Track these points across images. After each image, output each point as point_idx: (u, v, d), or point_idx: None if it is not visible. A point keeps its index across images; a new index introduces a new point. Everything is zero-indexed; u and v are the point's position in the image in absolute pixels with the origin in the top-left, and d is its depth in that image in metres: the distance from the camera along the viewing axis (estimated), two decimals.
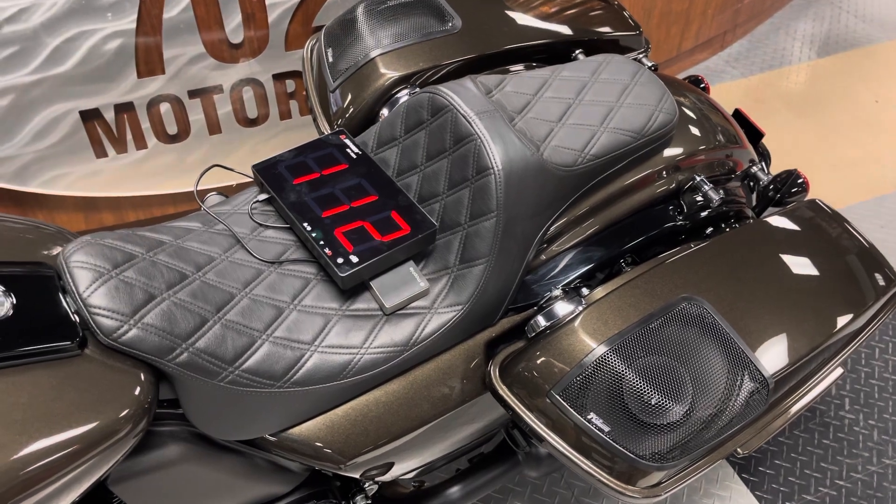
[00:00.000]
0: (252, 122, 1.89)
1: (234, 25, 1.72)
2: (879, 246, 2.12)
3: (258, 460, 1.00)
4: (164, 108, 1.78)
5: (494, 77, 1.10)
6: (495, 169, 0.95)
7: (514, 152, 0.97)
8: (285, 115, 1.91)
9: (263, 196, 1.03)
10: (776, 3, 3.01)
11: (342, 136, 1.09)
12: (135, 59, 1.68)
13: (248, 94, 1.84)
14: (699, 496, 1.60)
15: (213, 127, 1.86)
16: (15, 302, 0.75)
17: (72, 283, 0.79)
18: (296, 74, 1.86)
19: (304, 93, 1.39)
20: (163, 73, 1.73)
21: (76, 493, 0.74)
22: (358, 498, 1.18)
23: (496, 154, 0.95)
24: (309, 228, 0.97)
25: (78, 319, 0.79)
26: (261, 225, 1.01)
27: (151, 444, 0.88)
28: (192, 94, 1.79)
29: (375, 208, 1.00)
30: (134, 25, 1.63)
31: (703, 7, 2.54)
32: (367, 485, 1.19)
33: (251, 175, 1.06)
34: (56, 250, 0.86)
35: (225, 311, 0.88)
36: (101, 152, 1.79)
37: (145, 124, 1.79)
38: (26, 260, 0.82)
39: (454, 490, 1.35)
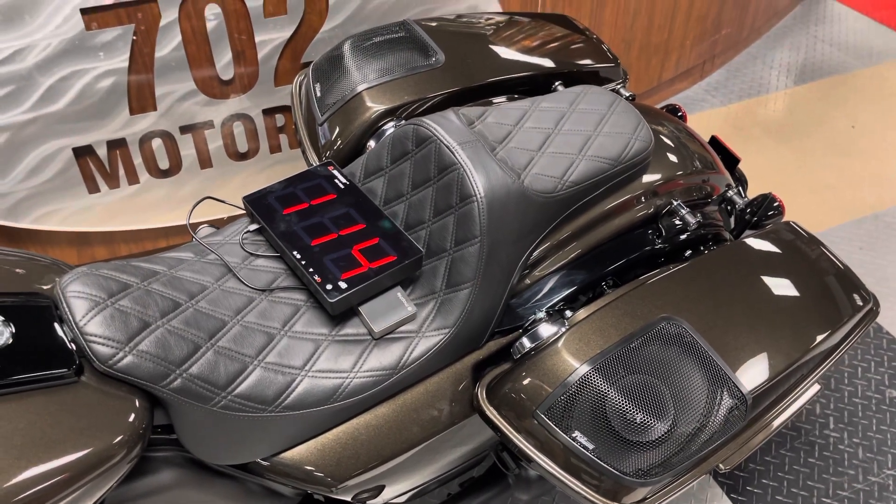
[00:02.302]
0: (242, 156, 1.93)
1: (224, 62, 1.76)
2: (858, 268, 2.17)
3: (251, 485, 1.02)
4: (156, 143, 1.82)
5: (476, 109, 1.14)
6: (478, 196, 0.99)
7: (496, 180, 1.00)
8: (275, 148, 1.95)
9: (254, 226, 1.06)
10: (752, 35, 3.09)
11: (330, 168, 1.13)
12: (127, 97, 1.73)
13: (238, 128, 1.88)
14: None
15: (205, 161, 1.90)
16: (14, 331, 0.78)
17: (68, 312, 0.81)
18: (285, 109, 1.90)
19: (294, 126, 1.43)
20: (154, 109, 1.77)
21: None
22: None
23: (479, 182, 0.99)
24: (298, 256, 1.00)
25: (75, 347, 0.81)
26: (251, 254, 1.04)
27: (146, 469, 0.90)
28: (184, 129, 1.82)
29: (363, 236, 1.03)
30: (126, 64, 1.68)
31: (680, 39, 2.61)
32: None
33: (242, 207, 1.09)
34: (52, 281, 0.89)
35: (217, 337, 0.91)
36: (93, 188, 1.82)
37: (137, 160, 1.83)
38: (24, 290, 0.84)
39: None
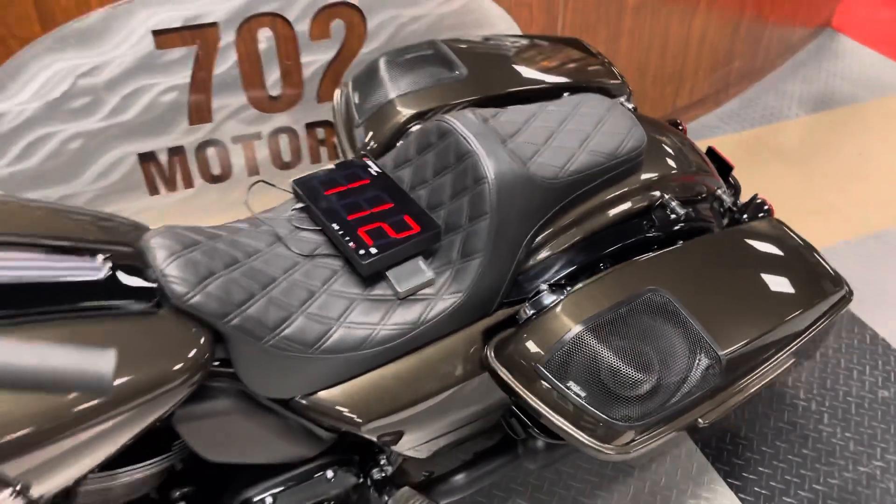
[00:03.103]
0: (286, 166, 2.14)
1: (273, 80, 1.98)
2: (858, 281, 2.30)
3: (291, 422, 1.19)
4: (211, 151, 2.04)
5: (491, 109, 1.33)
6: (489, 178, 1.17)
7: (505, 165, 1.18)
8: (316, 159, 2.16)
9: (300, 205, 1.25)
10: (766, 67, 3.26)
11: (365, 159, 1.32)
12: (187, 109, 1.95)
13: (283, 140, 2.10)
14: (686, 497, 1.74)
15: (252, 169, 2.11)
16: (111, 269, 0.97)
17: (153, 258, 1.01)
18: (326, 124, 2.11)
19: (334, 130, 1.63)
20: (210, 121, 1.99)
21: (146, 421, 0.94)
22: (374, 471, 1.36)
23: (490, 166, 1.17)
24: (337, 228, 1.18)
25: (155, 286, 1.00)
26: (297, 227, 1.22)
27: (207, 395, 1.08)
28: (235, 139, 2.04)
29: (391, 213, 1.22)
30: (188, 80, 1.90)
31: (694, 68, 2.79)
32: (382, 462, 1.37)
33: (290, 191, 1.28)
34: (137, 237, 1.08)
35: (269, 289, 1.09)
36: (153, 190, 2.04)
37: (193, 166, 2.05)
38: (119, 240, 1.04)
39: (459, 478, 1.52)
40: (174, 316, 1.00)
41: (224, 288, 1.04)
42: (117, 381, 0.89)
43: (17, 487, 0.81)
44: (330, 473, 1.29)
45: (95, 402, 0.86)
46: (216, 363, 1.09)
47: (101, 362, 0.65)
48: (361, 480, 1.36)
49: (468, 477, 1.52)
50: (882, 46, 3.56)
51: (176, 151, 2.01)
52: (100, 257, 0.97)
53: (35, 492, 0.85)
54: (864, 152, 2.85)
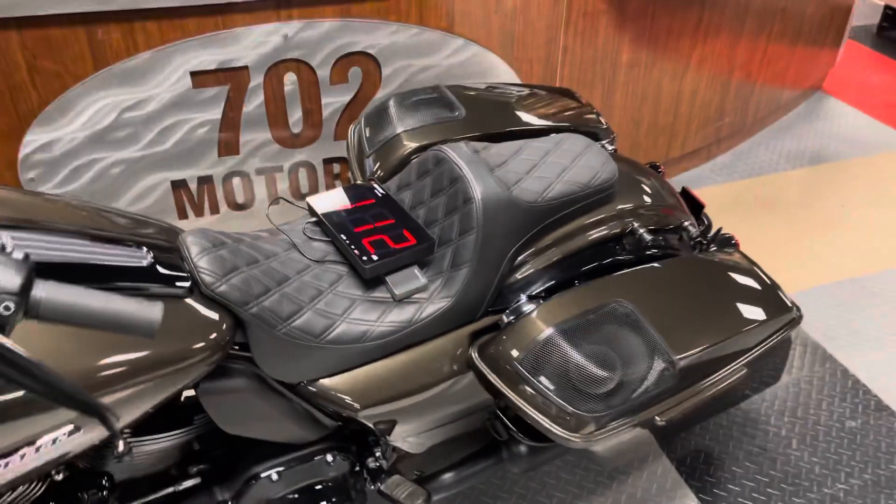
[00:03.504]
0: (304, 197, 2.35)
1: (295, 119, 2.21)
2: (833, 321, 2.45)
3: (297, 406, 1.36)
4: (236, 181, 2.25)
5: (483, 143, 1.53)
6: (476, 199, 1.36)
7: (491, 189, 1.38)
8: (332, 186, 2.36)
9: (313, 219, 1.45)
10: (757, 125, 3.47)
11: (372, 182, 1.52)
12: (217, 143, 2.17)
13: (302, 174, 2.31)
14: None
15: (273, 199, 2.32)
16: (151, 259, 1.16)
17: (187, 251, 1.20)
18: (342, 160, 2.33)
19: (349, 172, 1.83)
20: (238, 153, 2.21)
21: (175, 387, 1.12)
22: (369, 460, 1.52)
23: (477, 189, 1.37)
24: (344, 238, 1.37)
25: (188, 275, 1.19)
26: (310, 238, 1.42)
27: (227, 374, 1.26)
28: (259, 171, 2.26)
29: (392, 227, 1.41)
30: (219, 116, 2.13)
31: (686, 122, 3.00)
32: (377, 453, 1.53)
33: (306, 208, 1.48)
34: (174, 235, 1.28)
35: (283, 286, 1.28)
36: (182, 215, 2.25)
37: (220, 194, 2.26)
38: (158, 237, 1.23)
39: (447, 477, 1.67)
40: (203, 302, 1.18)
41: (245, 281, 1.23)
42: (156, 349, 1.07)
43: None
44: (329, 458, 1.45)
45: (141, 354, 1.04)
46: (236, 347, 1.27)
47: (152, 310, 0.83)
48: (357, 469, 1.52)
49: (455, 476, 1.67)
50: (871, 109, 3.77)
51: (205, 180, 2.22)
52: (144, 249, 1.16)
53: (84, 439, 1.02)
54: (846, 205, 3.02)
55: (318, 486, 1.44)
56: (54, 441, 0.99)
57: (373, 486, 1.53)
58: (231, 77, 2.09)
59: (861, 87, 4.00)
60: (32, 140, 1.99)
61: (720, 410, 1.69)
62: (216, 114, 2.12)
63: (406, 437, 1.49)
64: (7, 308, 0.73)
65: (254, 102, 2.14)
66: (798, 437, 2.06)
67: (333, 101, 2.22)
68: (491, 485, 1.93)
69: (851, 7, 3.70)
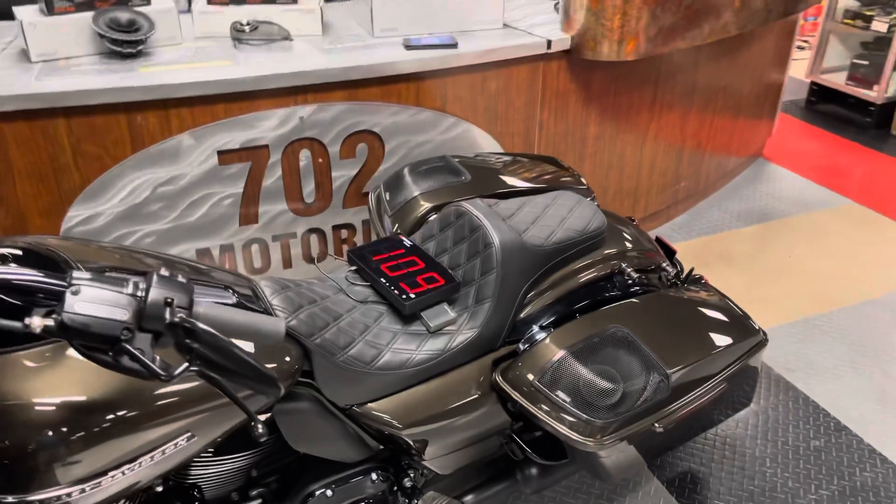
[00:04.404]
0: (313, 260, 2.58)
1: (308, 190, 2.46)
2: (790, 356, 2.74)
3: (348, 428, 1.57)
4: (254, 248, 2.48)
5: (492, 199, 1.80)
6: (495, 244, 1.62)
7: (507, 235, 1.64)
8: (339, 254, 2.60)
9: (354, 267, 1.69)
10: (709, 188, 3.85)
11: (400, 236, 1.78)
12: (239, 213, 2.41)
13: (313, 239, 2.55)
14: None
15: (286, 263, 2.55)
16: (236, 299, 1.39)
17: (263, 293, 1.43)
18: (349, 226, 2.58)
19: (372, 230, 2.08)
20: (257, 223, 2.44)
21: (262, 403, 1.32)
22: (405, 480, 1.72)
23: (495, 236, 1.63)
24: (384, 281, 1.61)
25: (265, 311, 1.41)
26: (352, 283, 1.65)
27: (295, 397, 1.47)
28: (275, 238, 2.49)
29: (423, 271, 1.65)
30: (241, 190, 2.37)
31: (647, 187, 3.35)
32: (411, 474, 1.73)
33: (346, 259, 1.72)
34: (248, 281, 1.50)
35: (338, 321, 1.51)
36: None
37: (239, 259, 2.48)
38: (237, 283, 1.46)
39: (469, 498, 1.87)
40: None
41: (310, 316, 1.46)
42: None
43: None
44: (374, 476, 1.65)
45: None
46: (301, 374, 1.49)
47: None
48: (395, 489, 1.71)
49: (475, 498, 1.87)
50: (806, 172, 4.20)
51: (226, 248, 2.45)
52: (229, 290, 1.39)
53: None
54: (793, 255, 3.37)
55: (364, 502, 1.63)
56: (168, 450, 1.19)
57: (408, 502, 1.72)
58: (253, 155, 2.34)
59: (796, 153, 4.44)
60: (74, 215, 2.21)
61: (701, 431, 1.93)
62: (239, 188, 2.37)
63: (436, 457, 1.70)
64: (181, 318, 0.95)
65: (272, 176, 2.40)
66: (770, 457, 2.31)
67: (342, 174, 2.49)
68: (503, 500, 2.13)
69: (782, 85, 4.17)
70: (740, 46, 3.51)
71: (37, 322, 0.89)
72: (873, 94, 4.74)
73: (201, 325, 0.92)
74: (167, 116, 2.20)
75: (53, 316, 0.90)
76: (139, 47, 2.32)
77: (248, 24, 2.49)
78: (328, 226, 2.55)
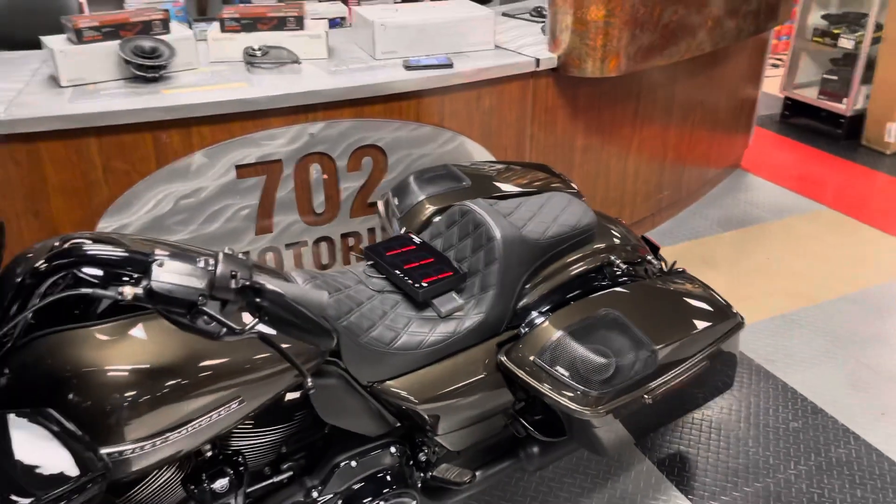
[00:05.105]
0: (324, 267, 2.77)
1: (318, 201, 2.65)
2: (770, 348, 2.94)
3: (370, 403, 1.74)
4: (269, 255, 2.66)
5: (491, 200, 2.00)
6: (496, 238, 1.82)
7: (507, 230, 1.84)
8: (346, 261, 2.79)
9: (370, 262, 1.88)
10: (690, 197, 4.07)
11: (410, 234, 1.97)
12: (255, 223, 2.59)
13: (323, 247, 2.73)
14: (648, 499, 2.27)
15: (358, 253, 2.73)
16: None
17: (295, 281, 1.61)
18: (356, 234, 2.76)
19: (383, 231, 2.27)
20: (271, 232, 2.63)
21: (296, 376, 1.50)
22: (420, 455, 1.89)
23: (497, 230, 1.82)
24: (399, 273, 1.80)
25: None
26: (370, 276, 1.84)
27: (325, 374, 1.64)
28: (288, 246, 2.67)
29: (433, 264, 1.84)
30: (257, 201, 2.56)
31: (632, 196, 3.56)
32: (425, 449, 1.90)
33: (363, 255, 1.91)
34: (281, 272, 1.68)
35: (360, 307, 1.69)
36: None
37: None
38: (276, 270, 1.64)
39: (477, 474, 2.04)
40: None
41: (337, 302, 1.64)
42: (296, 345, 1.46)
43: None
44: (393, 449, 1.82)
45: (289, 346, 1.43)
46: (332, 356, 1.67)
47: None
48: (411, 463, 1.89)
49: (482, 474, 2.04)
50: (782, 181, 4.43)
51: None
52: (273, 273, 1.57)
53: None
54: (770, 257, 3.59)
55: (384, 473, 1.80)
56: (222, 411, 1.36)
57: (422, 475, 1.89)
58: (268, 169, 2.53)
59: (772, 164, 4.68)
60: (104, 227, 2.38)
61: (686, 412, 2.12)
62: (255, 199, 2.55)
63: (447, 433, 1.87)
64: (252, 281, 1.13)
65: (285, 189, 2.58)
66: (752, 438, 2.50)
67: (349, 185, 2.68)
68: (507, 490, 2.30)
69: (756, 99, 4.41)
70: (715, 63, 3.75)
71: (128, 290, 1.08)
72: (843, 107, 5.01)
73: (269, 286, 1.10)
74: (188, 134, 2.39)
75: (142, 285, 1.08)
76: (161, 72, 2.52)
77: (259, 48, 2.69)
78: (337, 234, 2.74)
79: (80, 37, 2.44)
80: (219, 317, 1.10)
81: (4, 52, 2.96)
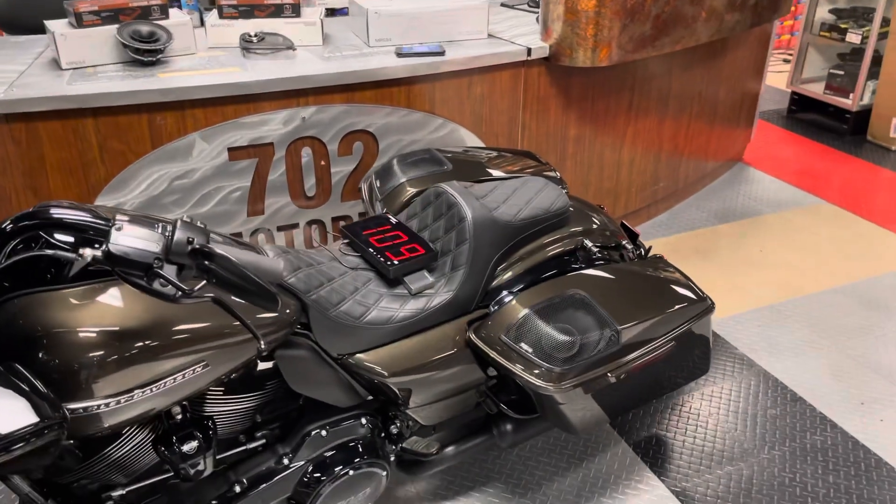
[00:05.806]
0: (315, 248, 2.83)
1: (310, 185, 2.72)
2: (757, 339, 2.97)
3: (340, 375, 1.81)
4: (260, 237, 2.74)
5: (468, 182, 2.05)
6: (468, 218, 1.87)
7: (478, 211, 1.89)
8: (324, 241, 2.85)
9: (347, 241, 1.94)
10: (688, 189, 4.09)
11: (387, 214, 2.03)
12: (247, 205, 2.66)
13: (314, 229, 2.80)
14: (622, 480, 2.31)
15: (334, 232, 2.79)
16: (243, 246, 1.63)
17: (266, 255, 1.67)
18: (347, 217, 2.83)
19: (365, 212, 2.33)
20: (263, 214, 2.70)
21: (269, 340, 1.56)
22: (391, 427, 1.95)
23: (468, 211, 1.88)
24: (371, 250, 1.86)
25: None
26: (345, 254, 1.90)
27: (294, 345, 1.71)
28: (279, 228, 2.75)
29: (406, 243, 1.90)
30: (249, 183, 2.63)
31: (626, 186, 3.59)
32: (397, 423, 1.96)
33: (340, 234, 1.97)
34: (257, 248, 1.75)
35: (331, 282, 1.76)
36: None
37: None
38: (244, 242, 1.71)
39: (450, 450, 2.09)
40: (279, 290, 1.65)
41: (307, 276, 1.70)
42: (255, 316, 1.53)
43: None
44: (363, 420, 1.89)
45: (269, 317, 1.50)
46: (300, 326, 1.73)
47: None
48: (383, 435, 1.95)
49: (455, 450, 2.10)
50: (784, 175, 4.44)
51: (235, 236, 2.69)
52: (238, 243, 1.64)
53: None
54: (764, 250, 3.61)
55: (354, 443, 1.87)
56: (187, 374, 1.43)
57: (394, 448, 1.96)
58: (259, 151, 2.60)
59: (775, 158, 4.69)
60: (100, 205, 2.46)
61: (661, 393, 2.16)
62: (247, 181, 2.62)
63: (419, 407, 1.93)
64: (201, 245, 1.20)
65: (277, 171, 2.65)
66: (730, 423, 2.54)
67: (340, 169, 2.74)
68: (483, 467, 2.35)
69: (758, 94, 4.42)
70: (714, 55, 3.77)
71: (88, 252, 1.15)
72: (849, 102, 4.99)
73: (217, 250, 1.17)
74: (183, 117, 2.47)
75: (101, 248, 1.15)
76: (158, 56, 2.60)
77: (255, 35, 2.76)
78: (327, 217, 2.80)
79: (80, 21, 2.53)
80: (173, 279, 1.17)
81: (12, 36, 3.05)
